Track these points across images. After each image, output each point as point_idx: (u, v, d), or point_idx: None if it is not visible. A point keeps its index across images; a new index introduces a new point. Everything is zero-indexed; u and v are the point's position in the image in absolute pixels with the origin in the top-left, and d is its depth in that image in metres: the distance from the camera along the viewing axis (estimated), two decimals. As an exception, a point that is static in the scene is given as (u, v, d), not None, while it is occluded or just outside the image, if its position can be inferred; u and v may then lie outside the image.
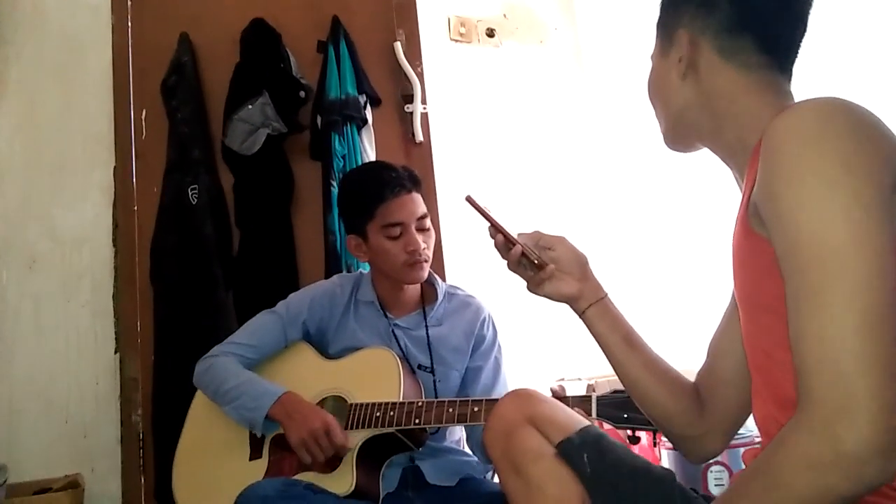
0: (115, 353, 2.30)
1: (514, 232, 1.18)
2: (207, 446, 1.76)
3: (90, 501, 2.14)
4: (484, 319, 1.82)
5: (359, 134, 2.43)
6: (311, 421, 1.56)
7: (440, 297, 1.82)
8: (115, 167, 2.41)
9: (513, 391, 1.16)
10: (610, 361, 1.14)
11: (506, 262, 1.18)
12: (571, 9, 3.19)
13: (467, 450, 1.82)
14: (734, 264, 0.94)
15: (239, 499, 1.48)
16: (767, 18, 0.94)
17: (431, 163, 2.57)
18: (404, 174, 1.75)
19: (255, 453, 1.69)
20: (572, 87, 3.07)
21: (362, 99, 2.45)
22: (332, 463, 1.59)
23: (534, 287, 1.17)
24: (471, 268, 2.66)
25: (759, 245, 0.82)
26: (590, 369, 2.43)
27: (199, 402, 1.81)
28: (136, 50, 2.51)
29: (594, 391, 1.55)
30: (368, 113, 2.47)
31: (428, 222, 1.76)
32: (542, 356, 2.56)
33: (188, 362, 1.80)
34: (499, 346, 1.83)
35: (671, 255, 2.78)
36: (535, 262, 1.14)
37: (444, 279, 2.11)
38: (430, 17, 2.80)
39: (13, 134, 2.38)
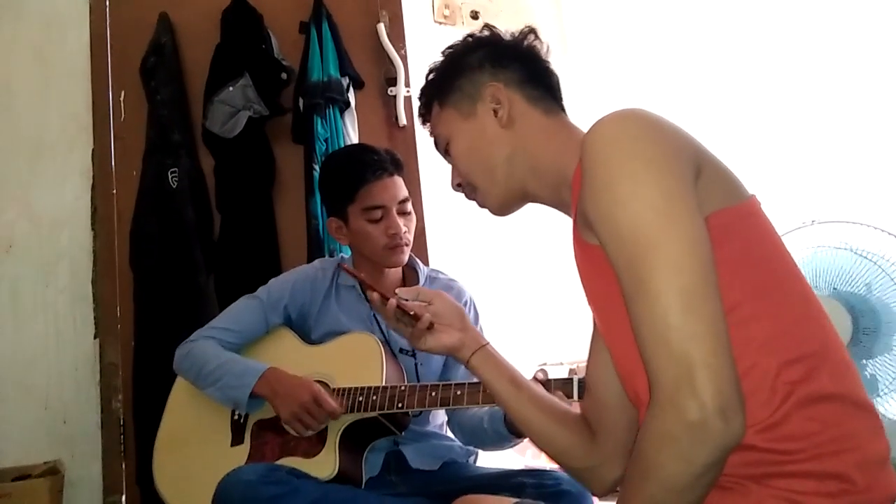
0: (95, 338, 2.28)
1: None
2: (188, 432, 1.75)
3: (70, 487, 2.13)
4: (465, 303, 1.82)
5: (341, 117, 2.41)
6: (298, 393, 1.56)
7: (422, 280, 1.82)
8: (93, 150, 2.38)
9: (455, 501, 1.20)
10: (500, 404, 1.17)
11: (385, 319, 1.23)
12: (557, -8, 3.18)
13: (450, 434, 1.82)
14: (583, 283, 0.99)
15: (221, 484, 1.47)
16: (544, 69, 1.09)
17: (415, 146, 2.55)
18: (386, 157, 1.74)
19: (237, 439, 1.68)
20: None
21: (345, 81, 2.42)
22: (315, 447, 1.59)
23: (416, 342, 1.20)
24: (454, 252, 2.65)
25: (594, 253, 0.87)
26: (572, 354, 2.45)
27: (180, 388, 1.79)
28: (114, 30, 2.47)
29: (576, 374, 1.55)
30: (351, 96, 2.44)
31: (409, 206, 1.75)
32: (524, 341, 2.57)
33: (168, 347, 1.79)
34: (480, 328, 1.83)
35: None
36: (412, 313, 1.17)
37: (427, 263, 2.11)
38: (414, -2, 2.78)
39: (-11, 115, 2.34)
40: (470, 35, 1.11)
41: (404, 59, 2.56)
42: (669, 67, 2.70)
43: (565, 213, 1.04)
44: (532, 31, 1.10)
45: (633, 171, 0.80)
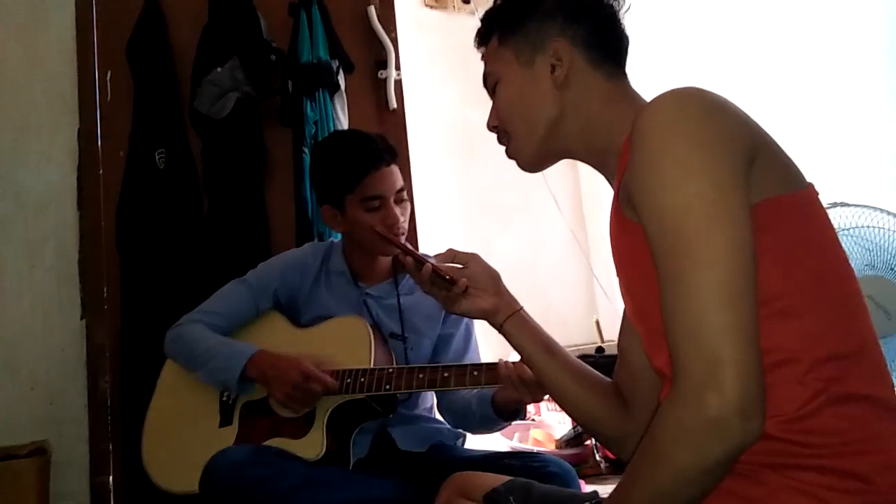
0: (82, 318, 2.27)
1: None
2: (177, 414, 1.75)
3: (57, 468, 2.12)
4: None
5: (331, 100, 2.40)
6: (288, 374, 1.56)
7: (412, 265, 1.82)
8: (79, 129, 2.35)
9: (449, 477, 1.18)
10: (533, 370, 1.17)
11: (419, 283, 1.21)
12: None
13: (439, 417, 1.83)
14: (614, 256, 0.97)
15: (209, 465, 1.48)
16: (618, 32, 1.03)
17: (405, 130, 2.55)
18: (383, 146, 1.72)
19: (226, 420, 1.69)
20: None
21: (335, 64, 2.41)
22: (302, 429, 1.60)
23: (450, 305, 1.19)
24: (443, 236, 2.66)
25: (633, 230, 0.85)
26: (563, 338, 2.45)
27: (168, 370, 1.79)
28: (101, 9, 2.44)
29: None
30: (341, 78, 2.43)
31: (405, 194, 1.75)
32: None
33: (156, 328, 1.79)
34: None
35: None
36: (447, 278, 1.16)
37: (418, 248, 2.11)
38: (405, -19, 2.76)
39: (-26, 94, 2.31)
40: None
41: (395, 42, 2.55)
42: (687, 52, 2.70)
43: (605, 176, 1.02)
44: None
45: (683, 156, 0.78)
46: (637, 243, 0.84)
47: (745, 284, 0.74)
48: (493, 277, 1.19)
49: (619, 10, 1.04)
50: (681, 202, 0.76)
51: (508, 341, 1.17)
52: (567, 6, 1.01)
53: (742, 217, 0.76)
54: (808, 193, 0.86)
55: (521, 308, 1.18)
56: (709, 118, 0.80)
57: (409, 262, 1.21)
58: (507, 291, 1.20)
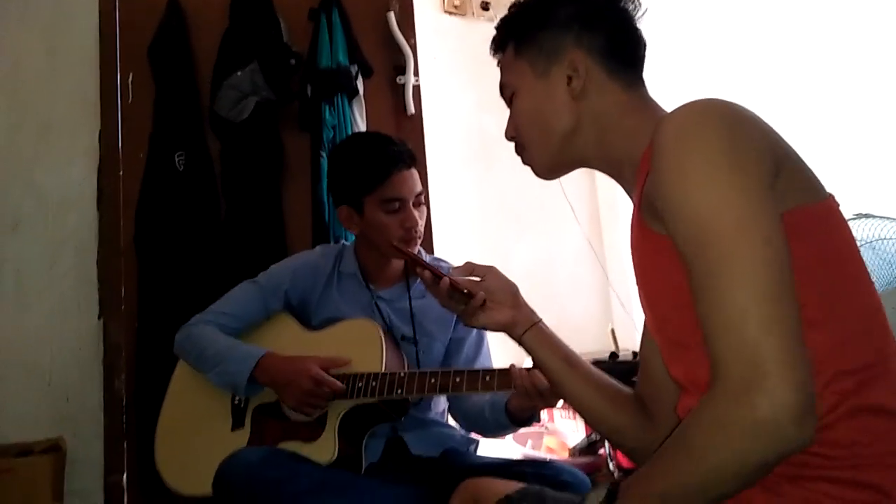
0: (99, 318, 2.29)
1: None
2: (190, 415, 1.76)
3: (72, 465, 2.14)
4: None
5: (349, 105, 2.41)
6: (299, 381, 1.57)
7: (425, 268, 1.82)
8: (100, 131, 2.38)
9: (461, 483, 1.17)
10: (553, 383, 1.16)
11: (437, 298, 1.20)
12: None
13: (451, 422, 1.83)
14: (635, 268, 0.96)
15: (222, 466, 1.48)
16: (635, 39, 1.02)
17: (423, 136, 2.55)
18: (404, 149, 1.73)
19: (238, 423, 1.69)
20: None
21: (354, 69, 2.42)
22: (315, 432, 1.60)
23: (468, 319, 1.18)
24: (458, 241, 2.66)
25: (655, 241, 0.84)
26: (578, 345, 2.43)
27: (181, 372, 1.80)
28: (123, 12, 2.47)
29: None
30: (360, 83, 2.44)
31: (423, 198, 1.75)
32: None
33: (172, 329, 1.79)
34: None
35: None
36: (465, 291, 1.15)
37: (432, 252, 2.11)
38: (424, -12, 2.77)
39: (-3, 94, 2.34)
40: None
41: (413, 48, 2.57)
42: (706, 62, 2.68)
43: (622, 186, 1.01)
44: None
45: (711, 160, 0.76)
46: (659, 254, 0.83)
47: (786, 278, 0.72)
48: (511, 290, 1.19)
49: (636, 15, 1.02)
50: (712, 203, 0.75)
51: (528, 353, 1.16)
52: (582, 16, 1.00)
53: (775, 219, 0.75)
54: (829, 204, 0.85)
55: (540, 320, 1.17)
56: (735, 126, 0.79)
57: (426, 276, 1.20)
58: (526, 304, 1.19)
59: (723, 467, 0.71)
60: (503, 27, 1.08)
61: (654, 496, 0.76)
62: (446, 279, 1.17)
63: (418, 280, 1.79)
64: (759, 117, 0.84)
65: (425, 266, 1.21)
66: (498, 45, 1.09)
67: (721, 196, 0.75)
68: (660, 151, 0.81)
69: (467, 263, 1.21)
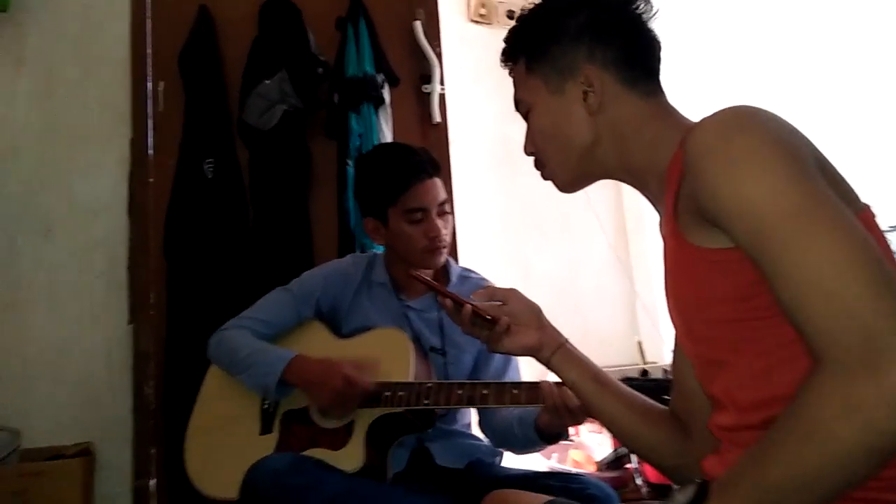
0: (129, 324, 2.32)
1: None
2: (219, 420, 1.77)
3: (101, 469, 2.16)
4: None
5: (376, 113, 2.42)
6: (330, 381, 1.57)
7: (453, 279, 1.82)
8: (131, 139, 2.41)
9: (487, 495, 1.15)
10: (584, 402, 1.13)
11: (460, 326, 1.18)
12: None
13: (477, 433, 1.82)
14: (667, 280, 0.93)
15: (250, 471, 1.50)
16: (650, 45, 0.99)
17: (447, 144, 2.56)
18: (427, 158, 1.74)
19: (266, 428, 1.71)
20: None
21: (380, 78, 2.44)
22: (341, 440, 1.61)
23: (493, 345, 1.16)
24: (482, 250, 2.66)
25: (692, 252, 0.82)
26: (607, 357, 2.41)
27: (212, 377, 1.82)
28: (154, 22, 2.50)
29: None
30: (386, 92, 2.46)
31: (448, 207, 1.75)
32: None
33: (200, 335, 1.81)
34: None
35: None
36: (488, 318, 1.14)
37: (457, 261, 2.11)
38: (450, -3, 2.79)
39: (30, 103, 2.38)
40: None
41: (439, 57, 2.58)
42: (739, 65, 2.67)
43: (647, 197, 0.99)
44: None
45: (761, 150, 0.74)
46: (694, 266, 0.81)
47: (871, 243, 0.69)
48: (535, 312, 1.16)
49: (648, 18, 0.99)
50: (775, 184, 0.72)
51: (557, 375, 1.14)
52: (593, 27, 0.98)
53: (836, 201, 0.72)
54: (866, 216, 0.83)
55: (566, 341, 1.15)
56: (779, 127, 0.78)
57: (448, 304, 1.18)
58: (550, 324, 1.16)
59: (854, 446, 0.65)
60: (513, 40, 1.06)
61: (767, 488, 0.70)
62: (468, 307, 1.15)
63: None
64: (792, 124, 0.82)
65: (446, 294, 1.19)
66: (508, 57, 1.08)
67: (783, 175, 0.73)
68: (702, 154, 0.78)
69: (488, 288, 1.20)
